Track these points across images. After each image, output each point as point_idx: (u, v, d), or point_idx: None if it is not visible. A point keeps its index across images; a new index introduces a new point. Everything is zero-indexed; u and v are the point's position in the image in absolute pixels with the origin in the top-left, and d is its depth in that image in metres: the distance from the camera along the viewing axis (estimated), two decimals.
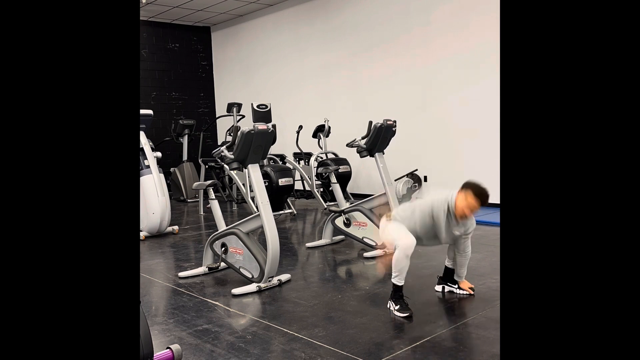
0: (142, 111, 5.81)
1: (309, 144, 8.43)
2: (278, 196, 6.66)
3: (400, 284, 3.10)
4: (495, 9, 6.28)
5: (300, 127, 8.20)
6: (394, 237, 3.13)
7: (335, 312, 3.17)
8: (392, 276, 3.11)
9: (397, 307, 3.07)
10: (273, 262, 3.66)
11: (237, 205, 7.74)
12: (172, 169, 9.01)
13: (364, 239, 4.67)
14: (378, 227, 4.59)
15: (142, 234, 5.77)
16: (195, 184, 4.28)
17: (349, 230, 4.79)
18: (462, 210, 2.99)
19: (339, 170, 7.08)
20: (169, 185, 7.68)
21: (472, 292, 3.35)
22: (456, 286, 3.41)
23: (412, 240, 3.06)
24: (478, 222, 5.75)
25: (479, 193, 2.93)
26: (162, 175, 5.86)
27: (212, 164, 7.68)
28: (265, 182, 6.36)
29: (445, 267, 3.44)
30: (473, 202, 2.94)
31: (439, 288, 3.47)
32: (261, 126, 3.67)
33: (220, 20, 10.28)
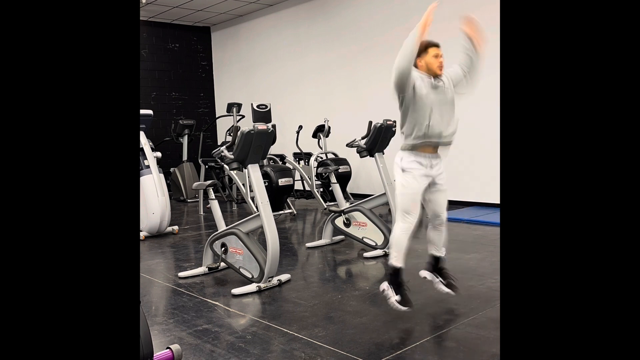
0: (142, 111, 5.81)
1: (309, 144, 8.43)
2: (278, 196, 6.66)
3: (399, 266, 2.86)
4: (495, 8, 6.28)
5: (300, 127, 8.20)
6: (403, 206, 2.87)
7: (335, 312, 3.17)
8: (390, 257, 2.88)
9: (397, 298, 2.85)
10: (273, 262, 3.66)
11: (237, 205, 7.74)
12: (172, 169, 9.01)
13: (364, 239, 4.67)
14: (378, 227, 4.63)
15: (142, 234, 5.77)
16: (195, 184, 4.28)
17: (349, 230, 4.79)
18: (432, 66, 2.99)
19: (339, 170, 7.08)
20: (169, 185, 7.68)
21: (452, 290, 3.09)
22: (439, 279, 3.14)
23: (416, 220, 2.85)
24: (478, 222, 5.79)
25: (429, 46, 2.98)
26: (162, 175, 5.86)
27: (212, 164, 7.68)
28: (265, 182, 6.37)
29: (431, 255, 3.16)
30: (431, 58, 3.00)
31: (424, 274, 3.20)
32: (261, 126, 3.67)
33: (220, 20, 10.28)
